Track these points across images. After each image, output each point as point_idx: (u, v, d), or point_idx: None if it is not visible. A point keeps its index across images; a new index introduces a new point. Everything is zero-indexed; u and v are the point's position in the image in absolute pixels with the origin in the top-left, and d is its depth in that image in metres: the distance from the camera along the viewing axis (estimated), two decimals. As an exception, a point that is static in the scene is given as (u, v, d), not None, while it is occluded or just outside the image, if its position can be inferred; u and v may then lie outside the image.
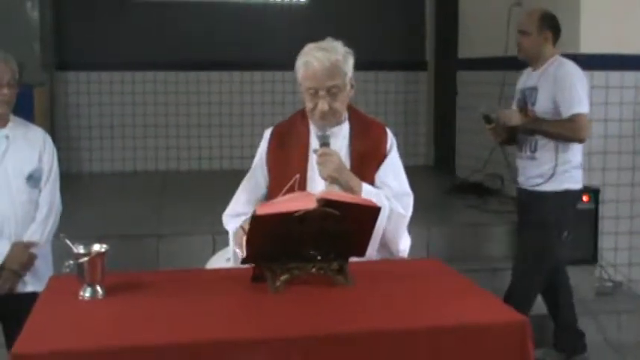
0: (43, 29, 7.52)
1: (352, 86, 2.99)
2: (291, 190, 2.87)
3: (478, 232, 5.55)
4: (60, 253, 4.03)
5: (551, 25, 4.51)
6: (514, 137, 4.64)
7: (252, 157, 3.22)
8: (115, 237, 5.05)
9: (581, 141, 4.42)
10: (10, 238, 3.47)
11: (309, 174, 2.96)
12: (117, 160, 8.44)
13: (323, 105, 2.89)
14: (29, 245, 3.50)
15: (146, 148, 8.45)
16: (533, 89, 4.51)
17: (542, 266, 4.53)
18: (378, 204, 2.59)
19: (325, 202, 2.43)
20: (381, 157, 3.03)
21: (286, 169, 2.97)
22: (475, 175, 6.90)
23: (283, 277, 2.52)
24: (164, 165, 8.49)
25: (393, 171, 3.04)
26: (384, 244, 2.94)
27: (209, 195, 6.69)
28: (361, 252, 2.61)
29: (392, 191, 2.98)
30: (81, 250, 2.48)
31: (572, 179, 4.47)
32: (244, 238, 2.50)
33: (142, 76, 8.38)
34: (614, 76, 5.64)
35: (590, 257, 5.37)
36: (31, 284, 3.50)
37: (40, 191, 3.58)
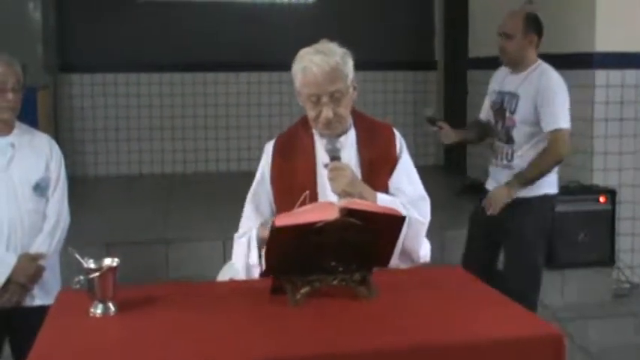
0: (45, 30, 7.44)
1: (354, 88, 2.83)
2: (302, 206, 2.73)
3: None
4: (69, 265, 3.97)
5: (535, 27, 4.33)
6: (465, 140, 4.61)
7: (260, 159, 3.06)
8: (122, 244, 5.03)
9: (560, 160, 4.22)
10: (16, 250, 3.37)
11: (319, 188, 2.82)
12: (122, 163, 8.36)
13: (327, 112, 2.72)
14: (37, 257, 3.41)
15: (152, 150, 8.38)
16: (514, 95, 4.30)
17: (535, 283, 4.36)
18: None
19: (347, 212, 2.32)
20: (392, 161, 2.90)
21: (293, 185, 2.82)
22: (486, 175, 6.75)
23: (304, 290, 2.42)
24: (170, 168, 8.41)
25: (406, 175, 2.92)
26: (404, 252, 2.82)
27: (217, 198, 6.64)
28: (385, 262, 2.50)
29: (407, 197, 2.86)
30: (91, 264, 2.38)
31: (549, 184, 4.32)
32: (263, 250, 2.40)
33: (147, 78, 8.32)
34: (630, 75, 5.54)
35: (607, 259, 5.26)
36: (39, 298, 3.41)
37: (47, 201, 3.49)
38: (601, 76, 5.51)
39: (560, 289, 5.11)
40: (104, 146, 8.34)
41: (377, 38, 8.30)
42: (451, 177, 7.80)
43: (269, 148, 2.95)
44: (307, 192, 2.75)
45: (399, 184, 2.88)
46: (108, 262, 2.40)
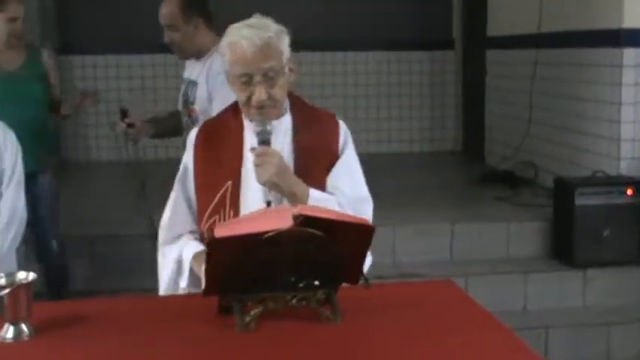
0: (43, 12, 7.12)
1: (292, 70, 2.46)
2: (222, 200, 2.41)
3: (509, 229, 5.00)
4: (27, 265, 3.68)
5: (197, 8, 3.87)
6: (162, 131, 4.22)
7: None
8: (106, 236, 4.72)
9: None
10: (-36, 250, 3.08)
11: (243, 179, 2.46)
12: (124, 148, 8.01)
13: (260, 93, 2.37)
14: None
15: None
16: (194, 84, 3.87)
17: None
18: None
19: (304, 220, 1.92)
20: (332, 155, 2.53)
21: (216, 175, 2.47)
22: (506, 163, 6.40)
23: (255, 311, 2.02)
24: (174, 153, 8.03)
25: (348, 173, 2.54)
26: None
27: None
28: (353, 279, 2.10)
29: (346, 198, 2.47)
30: (1, 280, 2.01)
31: None
32: (202, 268, 2.00)
33: (150, 59, 7.95)
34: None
35: (635, 257, 4.81)
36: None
37: (0, 195, 3.20)
38: (629, 54, 5.10)
39: (581, 290, 4.70)
40: (106, 131, 7.99)
41: (391, 16, 7.93)
42: (468, 164, 7.44)
43: (192, 135, 2.60)
44: (229, 183, 2.42)
45: (337, 182, 2.50)
46: (21, 276, 2.03)
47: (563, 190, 4.85)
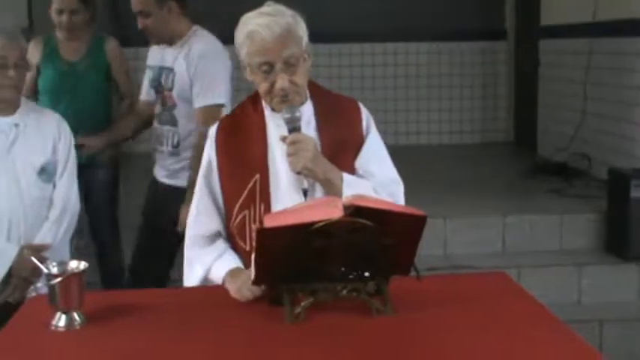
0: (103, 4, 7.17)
1: (309, 56, 2.43)
2: (252, 195, 2.37)
3: (562, 222, 4.93)
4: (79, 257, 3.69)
5: None
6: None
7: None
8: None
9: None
10: (19, 241, 3.10)
11: (271, 171, 2.42)
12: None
13: (283, 81, 2.34)
14: (41, 248, 3.10)
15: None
16: (170, 71, 3.78)
17: None
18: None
19: (354, 210, 1.91)
20: (358, 140, 2.50)
21: (242, 170, 2.43)
22: (559, 154, 6.32)
23: (305, 302, 2.01)
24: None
25: (375, 156, 2.52)
26: None
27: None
28: (405, 270, 2.08)
29: (377, 180, 2.46)
30: (53, 269, 2.03)
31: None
32: (252, 256, 2.00)
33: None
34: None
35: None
36: (43, 292, 3.10)
37: (54, 186, 3.21)
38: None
39: (635, 284, 4.62)
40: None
41: (442, 6, 7.86)
42: (521, 155, 7.36)
43: (212, 131, 2.55)
44: (257, 176, 2.39)
45: (367, 166, 2.47)
46: (73, 265, 2.05)
47: (618, 182, 4.75)
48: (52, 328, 2.02)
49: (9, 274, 3.05)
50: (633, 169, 4.99)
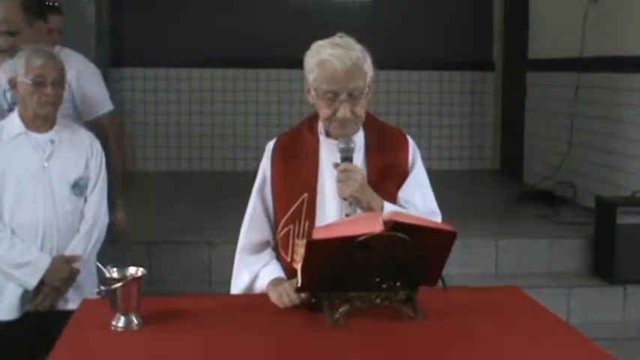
0: (99, 25, 7.38)
1: (370, 89, 2.59)
2: (299, 211, 2.55)
3: (551, 246, 5.16)
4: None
5: (37, 11, 3.65)
6: None
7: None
8: (164, 243, 4.86)
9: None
10: (51, 252, 3.24)
11: (319, 191, 2.59)
12: (172, 159, 8.27)
13: (345, 111, 2.48)
14: (72, 259, 3.26)
15: (202, 147, 8.28)
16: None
17: None
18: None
19: (393, 225, 2.12)
20: (403, 171, 2.65)
21: (293, 187, 2.61)
22: (545, 183, 6.53)
23: (343, 309, 2.22)
24: (220, 165, 8.28)
25: (418, 188, 2.68)
26: None
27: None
28: (433, 281, 2.30)
29: (418, 212, 2.59)
30: (114, 274, 2.21)
31: None
32: (299, 265, 2.20)
33: (199, 74, 8.21)
34: None
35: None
36: (72, 302, 3.23)
37: (85, 201, 3.35)
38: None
39: (621, 305, 4.85)
40: (154, 141, 8.24)
41: (433, 37, 8.08)
42: (507, 182, 7.53)
43: (270, 147, 2.75)
44: (305, 194, 2.56)
45: (409, 197, 2.64)
46: (132, 271, 2.24)
47: (605, 209, 4.98)
48: (112, 328, 2.20)
49: (41, 283, 3.18)
50: (620, 197, 5.22)
